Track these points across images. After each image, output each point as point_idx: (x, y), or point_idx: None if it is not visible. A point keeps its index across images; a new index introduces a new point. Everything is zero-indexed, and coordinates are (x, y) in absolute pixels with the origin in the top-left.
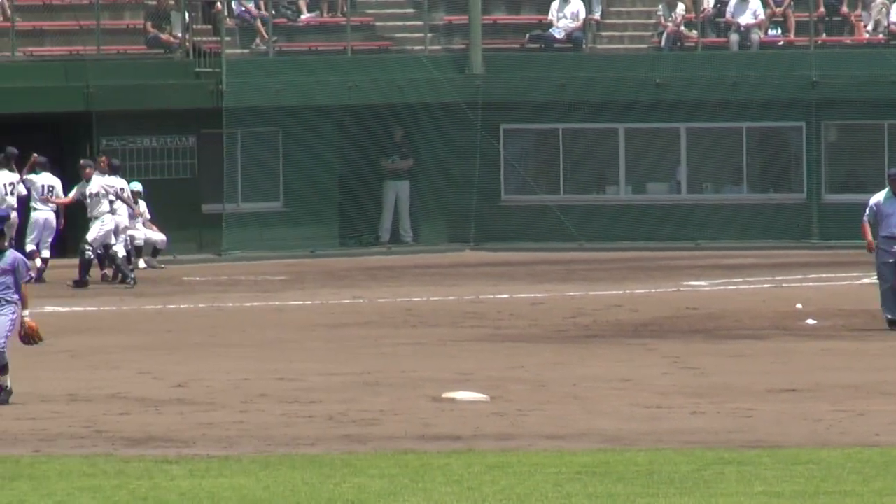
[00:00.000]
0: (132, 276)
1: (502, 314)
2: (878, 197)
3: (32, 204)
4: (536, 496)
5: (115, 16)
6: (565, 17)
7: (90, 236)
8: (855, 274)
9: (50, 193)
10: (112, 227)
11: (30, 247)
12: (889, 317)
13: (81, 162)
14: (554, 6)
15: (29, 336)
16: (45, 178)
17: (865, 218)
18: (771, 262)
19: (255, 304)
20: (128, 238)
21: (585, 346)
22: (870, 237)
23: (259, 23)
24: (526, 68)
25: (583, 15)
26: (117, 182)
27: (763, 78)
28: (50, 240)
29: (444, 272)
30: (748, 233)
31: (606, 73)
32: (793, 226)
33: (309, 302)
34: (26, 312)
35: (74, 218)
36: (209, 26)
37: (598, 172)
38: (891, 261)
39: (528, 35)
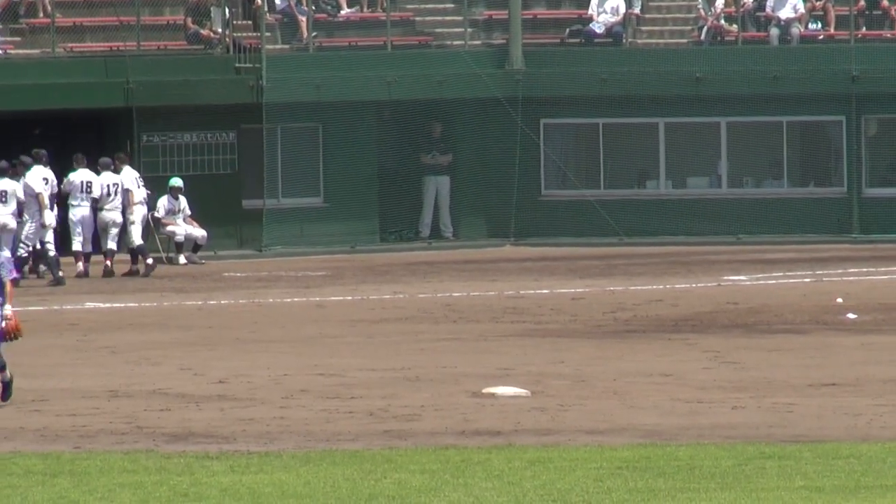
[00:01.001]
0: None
1: (542, 309)
2: None
3: (70, 201)
4: (577, 491)
5: (155, 11)
6: (605, 11)
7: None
8: (895, 268)
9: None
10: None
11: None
12: None
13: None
14: (594, 1)
15: (8, 332)
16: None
17: None
18: (811, 256)
19: (296, 299)
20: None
21: (626, 340)
22: None
23: (302, 19)
24: (566, 63)
25: (623, 9)
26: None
27: (803, 72)
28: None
29: (484, 267)
30: (788, 227)
31: (646, 67)
32: (833, 220)
33: (349, 297)
34: (8, 309)
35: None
36: (249, 22)
37: (639, 167)
38: None
39: (567, 30)
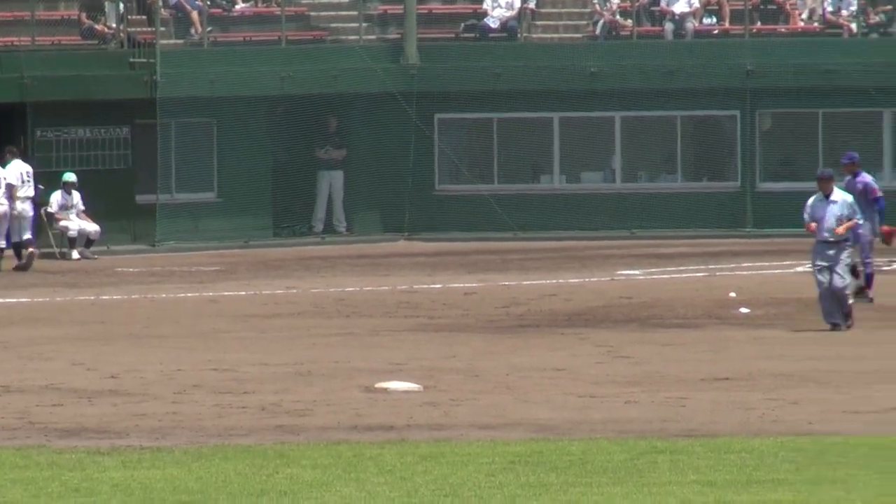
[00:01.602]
0: None
1: (435, 304)
2: (812, 199)
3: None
4: (469, 486)
5: (49, 6)
6: (500, 6)
7: None
8: (788, 262)
9: None
10: None
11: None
12: (829, 322)
13: None
14: None
15: None
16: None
17: (806, 217)
18: (705, 250)
19: (189, 294)
20: None
21: (519, 335)
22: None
23: (194, 14)
24: (460, 58)
25: (517, 4)
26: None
27: (697, 66)
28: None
29: (378, 262)
30: (682, 221)
31: (541, 62)
32: (727, 214)
33: (242, 292)
34: None
35: None
36: (143, 17)
37: (533, 162)
38: (825, 264)
39: (462, 25)
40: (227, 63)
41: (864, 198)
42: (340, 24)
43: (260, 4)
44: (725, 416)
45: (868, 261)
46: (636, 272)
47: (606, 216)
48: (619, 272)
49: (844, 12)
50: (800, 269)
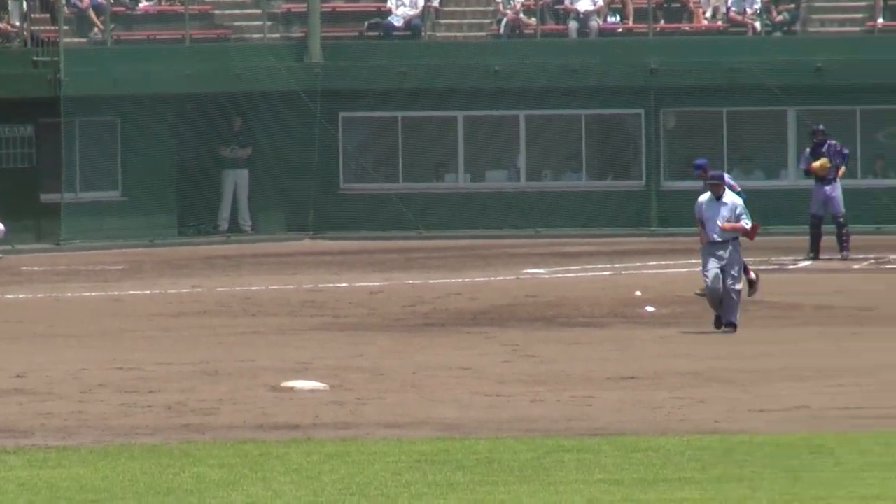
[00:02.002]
0: None
1: (341, 303)
2: (703, 198)
3: None
4: (376, 485)
5: None
6: (404, 4)
7: None
8: (693, 261)
9: None
10: None
11: None
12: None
13: None
14: None
15: None
16: None
17: (697, 214)
18: (610, 249)
19: (94, 293)
20: None
21: (424, 334)
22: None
23: (91, 12)
24: (365, 56)
25: (421, 2)
26: None
27: (602, 65)
28: None
29: (283, 261)
30: (587, 220)
31: (445, 60)
32: (632, 213)
33: (147, 291)
34: None
35: None
36: (47, 15)
37: (437, 160)
38: (718, 265)
39: (366, 23)
40: (132, 61)
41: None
42: (244, 23)
43: (164, 3)
44: (632, 414)
45: None
46: (542, 271)
47: (511, 215)
48: (524, 271)
49: (748, 11)
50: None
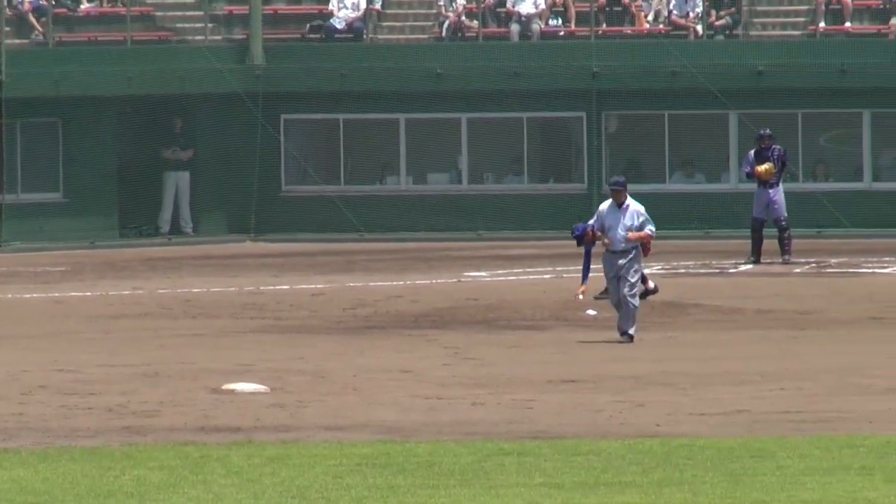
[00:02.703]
0: None
1: (282, 305)
2: (604, 205)
3: None
4: (317, 488)
5: None
6: (346, 6)
7: None
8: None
9: None
10: None
11: None
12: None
13: None
14: None
15: None
16: None
17: (593, 223)
18: (552, 252)
19: (35, 295)
20: None
21: (366, 337)
22: (605, 240)
23: (31, 16)
24: (306, 59)
25: (363, 5)
26: None
27: (544, 68)
28: None
29: (225, 263)
30: (529, 223)
31: (387, 63)
32: (573, 216)
33: (88, 293)
34: None
35: None
36: None
37: (379, 163)
38: (615, 274)
39: (308, 25)
40: (73, 63)
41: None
42: (186, 25)
43: (105, 4)
44: (573, 418)
45: None
46: (483, 274)
47: (453, 217)
48: (465, 274)
49: (690, 14)
50: (646, 271)
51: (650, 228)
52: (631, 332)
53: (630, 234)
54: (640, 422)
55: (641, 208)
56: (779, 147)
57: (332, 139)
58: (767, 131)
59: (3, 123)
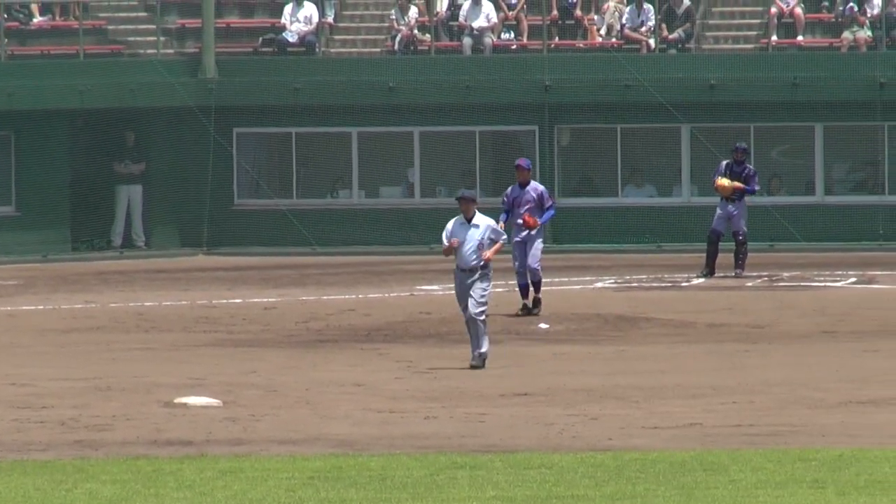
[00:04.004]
0: None
1: (235, 319)
2: (452, 221)
3: None
4: (269, 501)
5: None
6: (298, 20)
7: None
8: (588, 278)
9: None
10: None
11: None
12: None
13: None
14: (287, 10)
15: None
16: None
17: (446, 238)
18: (504, 265)
19: None
20: None
21: (318, 350)
22: (452, 241)
23: None
24: (259, 72)
25: (316, 18)
26: None
27: (496, 81)
28: None
29: (177, 277)
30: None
31: (340, 76)
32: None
33: (41, 307)
34: None
35: None
36: None
37: (332, 176)
38: (464, 292)
39: (261, 39)
40: (25, 76)
41: (541, 206)
42: (138, 38)
43: (58, 18)
44: (525, 431)
45: (535, 267)
46: (435, 287)
47: (405, 231)
48: (418, 287)
49: (643, 28)
50: (599, 284)
51: (503, 239)
52: (483, 349)
53: (485, 254)
54: (593, 435)
55: (492, 222)
56: (751, 167)
57: (284, 153)
58: (744, 145)
59: None
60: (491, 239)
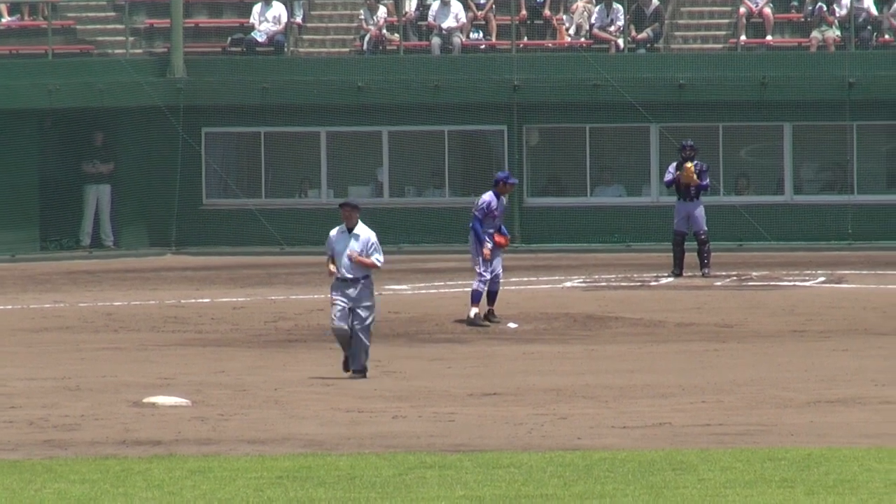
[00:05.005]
0: None
1: (203, 318)
2: (334, 231)
3: None
4: (238, 501)
5: None
6: (267, 20)
7: None
8: (557, 277)
9: None
10: None
11: None
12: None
13: None
14: (256, 9)
15: None
16: None
17: (328, 248)
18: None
19: None
20: None
21: (287, 350)
22: (331, 267)
23: None
24: (228, 72)
25: (285, 18)
26: None
27: (465, 81)
28: None
29: (146, 276)
30: (450, 236)
31: (308, 76)
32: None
33: (10, 306)
34: None
35: None
36: None
37: (300, 176)
38: (346, 304)
39: (229, 38)
40: None
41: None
42: (107, 38)
43: (27, 18)
44: (494, 431)
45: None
46: (404, 287)
47: (374, 230)
48: (386, 287)
49: (612, 28)
50: (568, 284)
51: (377, 258)
52: (364, 364)
53: (351, 253)
54: (562, 434)
55: (373, 235)
56: (701, 163)
57: (253, 152)
58: (690, 142)
59: None
60: (366, 252)
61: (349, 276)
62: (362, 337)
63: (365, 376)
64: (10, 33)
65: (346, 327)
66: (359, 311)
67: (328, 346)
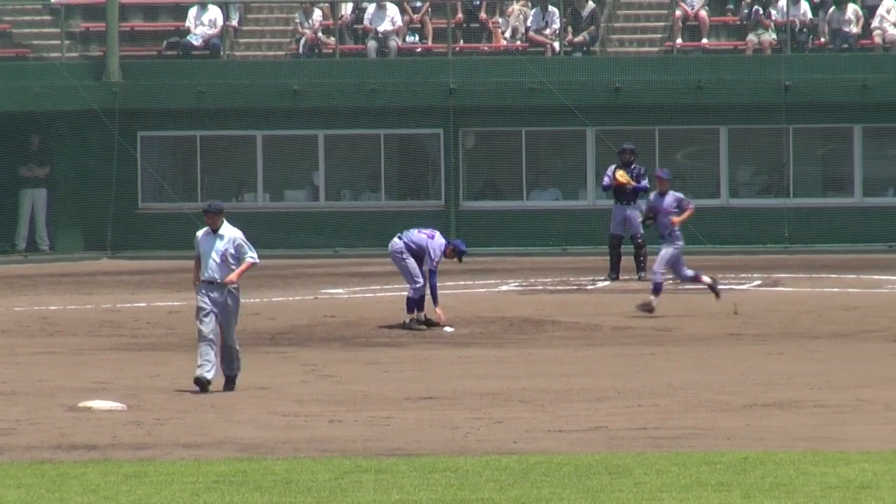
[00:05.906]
0: None
1: (139, 323)
2: (200, 232)
3: None
4: None
5: None
6: (203, 24)
7: None
8: (493, 281)
9: None
10: None
11: None
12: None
13: None
14: (192, 13)
15: None
16: None
17: (196, 250)
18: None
19: None
20: None
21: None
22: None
23: None
24: (163, 75)
25: (220, 22)
26: None
27: (401, 85)
28: None
29: (81, 280)
30: (386, 240)
31: (244, 80)
32: None
33: None
34: None
35: None
36: None
37: (237, 179)
38: (210, 308)
39: (165, 42)
40: None
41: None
42: (43, 42)
43: None
44: (430, 434)
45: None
46: (340, 291)
47: (310, 234)
48: (322, 291)
49: (548, 31)
50: (504, 287)
51: (251, 256)
52: (235, 371)
53: (230, 277)
54: (498, 438)
55: (239, 234)
56: (640, 166)
57: (189, 156)
58: (630, 146)
59: None
60: (233, 255)
61: (217, 277)
62: (234, 348)
63: (233, 388)
64: None
65: (207, 331)
66: (230, 319)
67: (264, 351)
